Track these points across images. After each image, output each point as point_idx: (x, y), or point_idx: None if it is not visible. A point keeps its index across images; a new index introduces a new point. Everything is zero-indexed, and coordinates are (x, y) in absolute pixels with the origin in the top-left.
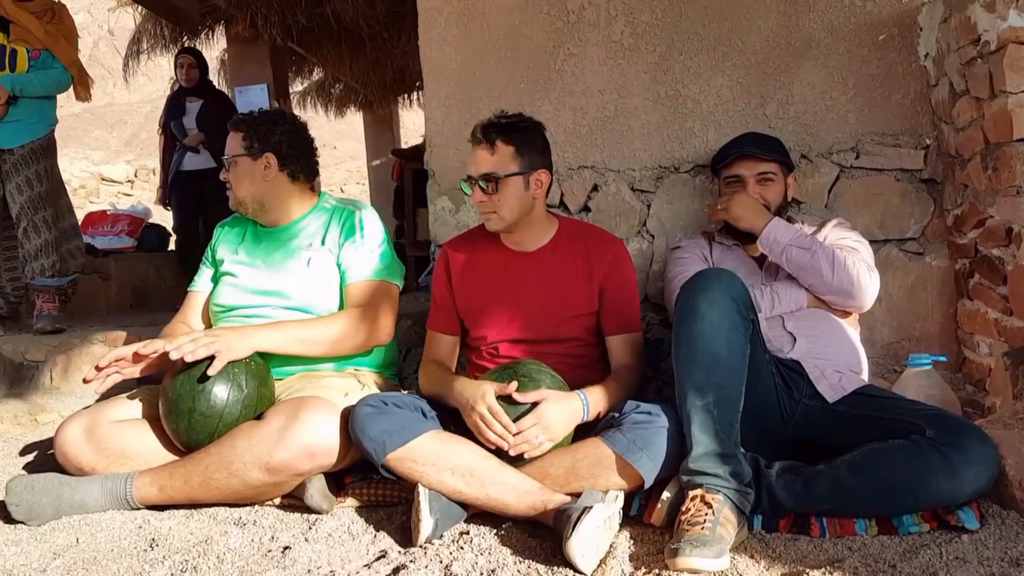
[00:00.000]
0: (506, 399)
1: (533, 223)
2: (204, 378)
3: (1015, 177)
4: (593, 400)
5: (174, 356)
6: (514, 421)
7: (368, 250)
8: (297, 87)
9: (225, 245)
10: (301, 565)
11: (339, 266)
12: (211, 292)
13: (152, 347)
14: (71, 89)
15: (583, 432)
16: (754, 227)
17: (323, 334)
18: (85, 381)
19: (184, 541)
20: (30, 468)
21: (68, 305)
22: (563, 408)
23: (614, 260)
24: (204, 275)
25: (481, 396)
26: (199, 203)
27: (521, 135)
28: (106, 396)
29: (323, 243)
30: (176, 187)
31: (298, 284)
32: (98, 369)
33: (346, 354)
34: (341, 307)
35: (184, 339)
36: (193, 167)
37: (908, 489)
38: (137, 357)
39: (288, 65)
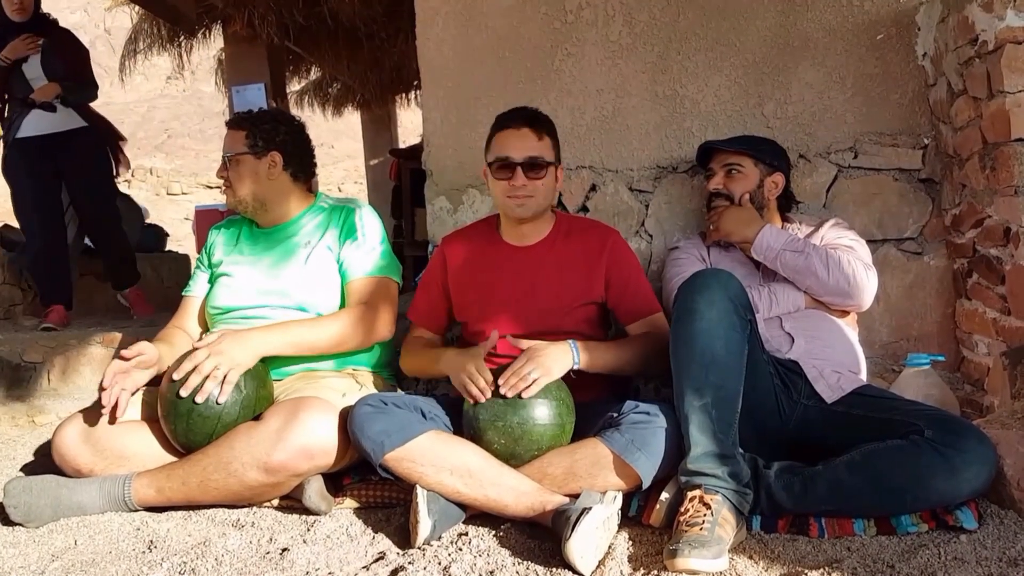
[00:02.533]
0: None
1: (545, 215)
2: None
3: (1013, 177)
4: (584, 347)
5: (184, 394)
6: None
7: (368, 248)
8: (294, 86)
9: (221, 247)
10: (299, 567)
11: (339, 264)
12: (207, 295)
13: (135, 350)
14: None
15: (581, 433)
16: (746, 238)
17: (324, 334)
18: (111, 422)
19: (182, 543)
20: (28, 470)
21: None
22: (552, 348)
23: (614, 248)
24: (199, 279)
25: (471, 356)
26: (54, 177)
27: (553, 129)
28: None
29: (321, 241)
30: (13, 160)
31: (297, 282)
32: (102, 389)
33: (348, 351)
34: (342, 305)
35: (188, 364)
36: (42, 131)
37: (906, 489)
38: (141, 363)
39: (285, 64)
